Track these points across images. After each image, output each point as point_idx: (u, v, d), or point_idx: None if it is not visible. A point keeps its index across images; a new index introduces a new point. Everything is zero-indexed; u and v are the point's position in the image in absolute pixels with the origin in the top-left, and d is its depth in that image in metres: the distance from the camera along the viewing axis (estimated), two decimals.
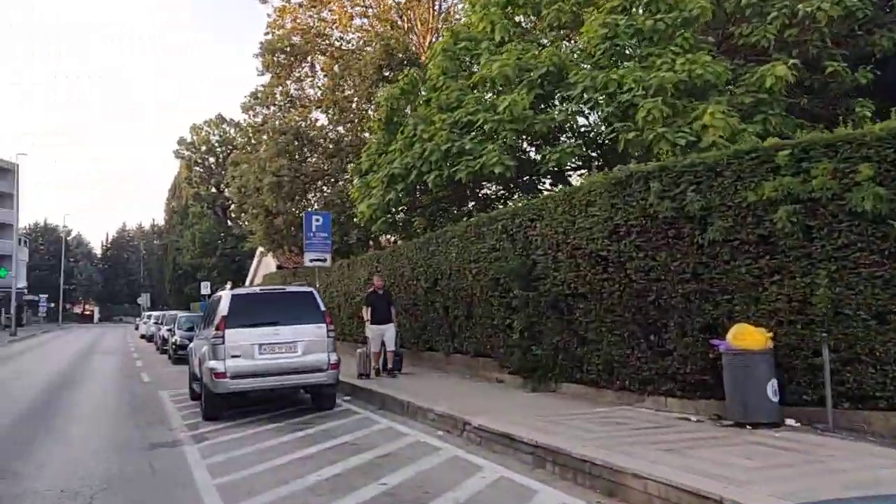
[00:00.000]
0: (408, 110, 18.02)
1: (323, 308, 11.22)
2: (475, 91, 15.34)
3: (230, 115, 64.81)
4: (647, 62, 13.52)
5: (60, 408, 12.99)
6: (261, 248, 40.09)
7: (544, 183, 18.89)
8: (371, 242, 27.36)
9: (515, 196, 21.43)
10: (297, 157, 24.44)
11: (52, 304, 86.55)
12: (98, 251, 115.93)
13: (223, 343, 10.47)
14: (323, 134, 24.93)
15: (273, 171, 23.76)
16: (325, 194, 24.53)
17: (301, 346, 10.77)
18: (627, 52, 14.20)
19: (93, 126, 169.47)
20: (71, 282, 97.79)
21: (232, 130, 62.67)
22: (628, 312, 9.27)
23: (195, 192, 62.68)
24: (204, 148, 63.36)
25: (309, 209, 27.16)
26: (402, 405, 10.69)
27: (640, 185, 9.14)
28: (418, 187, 16.29)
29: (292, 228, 24.80)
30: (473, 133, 14.47)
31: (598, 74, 13.31)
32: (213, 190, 63.31)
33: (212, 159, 63.78)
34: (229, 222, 63.58)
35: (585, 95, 13.34)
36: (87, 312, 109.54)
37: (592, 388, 10.18)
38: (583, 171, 16.09)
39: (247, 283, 44.83)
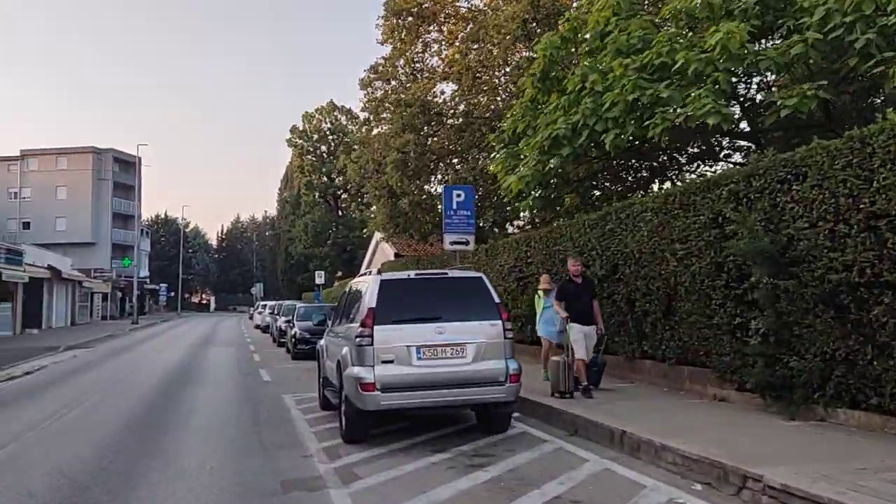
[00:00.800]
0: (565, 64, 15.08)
1: (497, 299, 8.48)
2: (665, 28, 12.23)
3: (341, 101, 63.72)
4: None
5: (173, 416, 10.87)
6: (377, 236, 38.13)
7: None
8: (496, 228, 24.61)
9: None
10: (423, 132, 21.89)
11: (172, 293, 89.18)
12: (214, 242, 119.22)
13: (371, 344, 7.91)
14: (452, 106, 22.28)
15: (398, 148, 21.33)
16: (454, 172, 21.87)
17: (471, 349, 8.07)
18: None
19: (208, 120, 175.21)
20: (189, 272, 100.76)
21: (343, 118, 61.68)
22: None
23: (307, 181, 62.00)
24: (316, 136, 62.62)
25: (432, 186, 24.75)
26: (610, 434, 7.78)
27: None
28: (587, 152, 13.34)
29: (418, 211, 22.34)
30: (670, 79, 11.39)
31: None
32: (325, 179, 62.42)
33: (323, 147, 62.96)
34: (340, 212, 62.64)
35: (829, 22, 10.03)
36: (204, 301, 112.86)
37: None
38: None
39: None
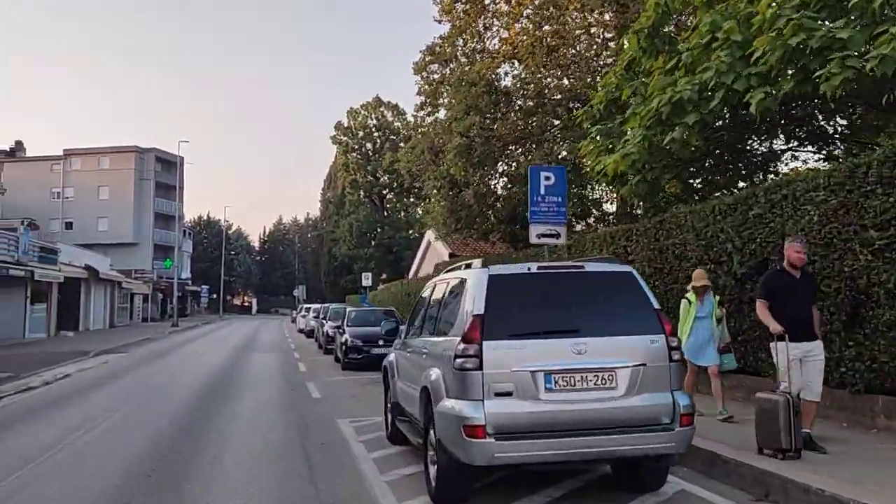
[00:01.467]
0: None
1: (656, 304, 5.95)
2: None
3: (387, 97, 61.66)
4: None
5: (203, 453, 8.54)
6: (429, 235, 35.84)
7: None
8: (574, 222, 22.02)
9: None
10: (489, 114, 19.44)
11: (214, 295, 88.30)
12: (256, 244, 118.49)
13: (480, 368, 5.44)
14: (522, 85, 19.75)
15: (461, 132, 18.89)
16: (525, 159, 19.33)
17: (624, 376, 5.55)
18: None
19: (251, 121, 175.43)
20: (231, 274, 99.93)
21: (389, 114, 59.59)
22: None
23: (352, 180, 59.92)
24: (361, 133, 60.55)
25: (494, 178, 22.26)
26: None
27: None
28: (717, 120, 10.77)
29: (483, 204, 19.90)
30: (841, 18, 8.75)
31: None
32: (370, 177, 60.30)
33: (369, 145, 60.85)
34: (386, 212, 60.53)
35: None
36: (246, 304, 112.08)
37: None
38: None
39: (410, 275, 40.82)
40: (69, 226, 67.44)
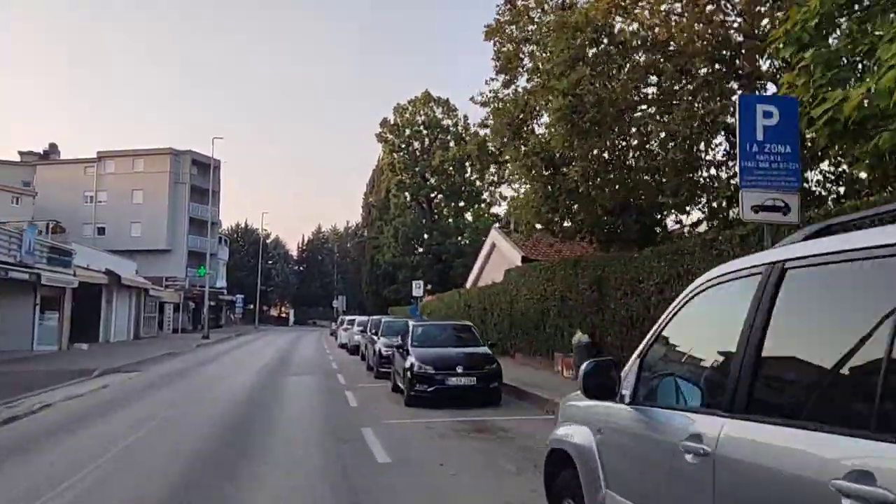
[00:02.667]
0: None
1: None
2: None
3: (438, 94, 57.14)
4: None
5: None
6: (494, 236, 31.13)
7: None
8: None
9: None
10: (599, 70, 14.74)
11: (250, 305, 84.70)
12: (294, 253, 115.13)
13: None
14: (644, 30, 14.99)
15: (564, 90, 14.17)
16: (657, 123, 14.54)
17: None
18: None
19: (290, 129, 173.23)
20: (268, 283, 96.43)
21: (439, 111, 55.17)
22: None
23: (398, 180, 55.36)
24: (408, 131, 56.15)
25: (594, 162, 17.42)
26: None
27: None
28: None
29: (593, 187, 15.18)
30: None
31: None
32: (418, 179, 55.81)
33: (416, 144, 56.40)
34: (434, 217, 55.97)
35: None
36: (283, 315, 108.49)
37: None
38: None
39: (468, 284, 36.08)
40: (101, 231, 64.44)
